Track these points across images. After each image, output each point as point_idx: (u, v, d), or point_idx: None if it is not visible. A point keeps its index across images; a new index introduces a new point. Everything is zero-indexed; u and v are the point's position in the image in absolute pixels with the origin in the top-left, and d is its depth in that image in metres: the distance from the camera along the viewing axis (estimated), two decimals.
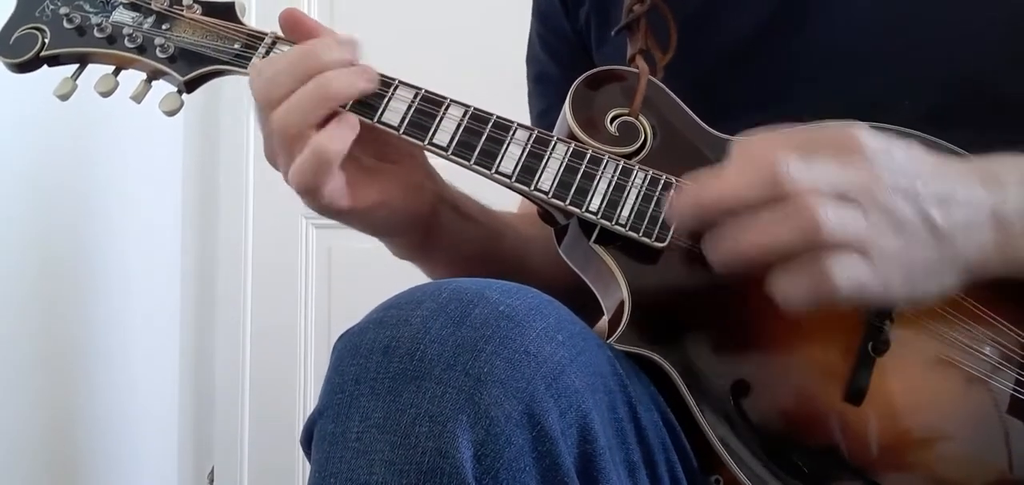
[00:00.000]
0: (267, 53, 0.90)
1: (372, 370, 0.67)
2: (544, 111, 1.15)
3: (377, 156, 0.90)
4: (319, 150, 0.82)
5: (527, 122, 0.98)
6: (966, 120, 0.87)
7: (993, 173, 0.74)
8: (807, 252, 0.67)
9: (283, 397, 2.38)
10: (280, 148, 0.84)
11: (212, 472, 2.40)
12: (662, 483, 0.77)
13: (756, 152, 0.71)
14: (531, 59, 1.20)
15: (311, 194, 0.84)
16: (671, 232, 0.83)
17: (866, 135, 0.71)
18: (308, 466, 0.71)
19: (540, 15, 1.18)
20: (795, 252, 0.68)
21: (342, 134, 0.83)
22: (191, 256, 2.36)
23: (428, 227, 0.96)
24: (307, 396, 2.36)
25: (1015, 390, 0.79)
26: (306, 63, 0.83)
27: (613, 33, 1.02)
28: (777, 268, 0.69)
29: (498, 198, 0.96)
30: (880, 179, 0.69)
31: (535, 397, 0.66)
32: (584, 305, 0.86)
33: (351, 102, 0.85)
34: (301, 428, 0.73)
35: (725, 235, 0.70)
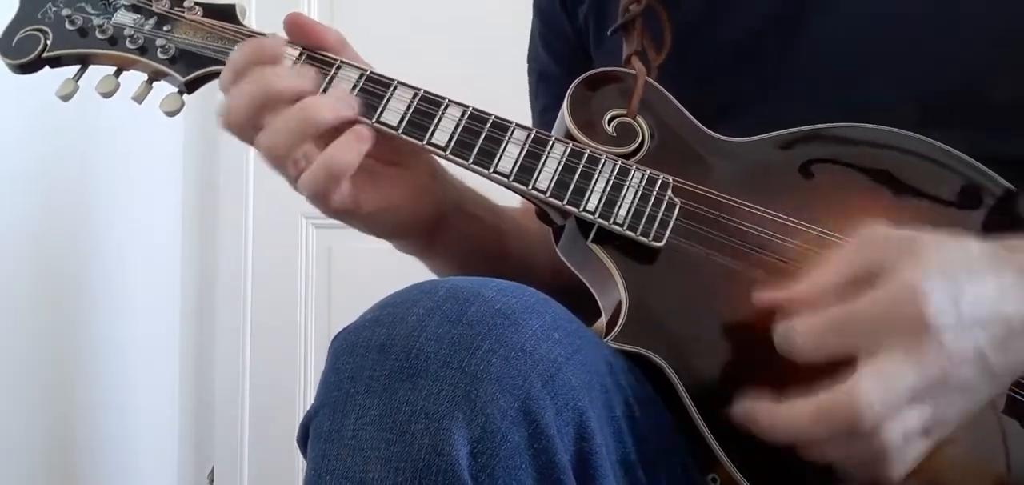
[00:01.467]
0: None
1: (368, 368, 0.67)
2: (545, 109, 1.15)
3: (382, 159, 0.91)
4: (331, 163, 0.83)
5: (528, 121, 0.98)
6: (962, 121, 0.87)
7: None
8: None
9: (283, 397, 2.37)
10: (275, 169, 0.85)
11: (212, 472, 2.40)
12: (659, 482, 0.77)
13: (823, 348, 0.70)
14: (532, 57, 1.21)
15: (321, 201, 0.85)
16: (668, 232, 0.83)
17: (934, 302, 0.68)
18: (306, 461, 0.71)
19: (540, 14, 1.19)
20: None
21: (354, 147, 0.84)
22: (191, 256, 2.36)
23: (433, 228, 0.97)
24: (307, 396, 2.36)
25: (1016, 394, 0.79)
26: (266, 97, 0.84)
27: (609, 33, 1.02)
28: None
29: (502, 195, 0.96)
30: (951, 361, 0.67)
31: (531, 394, 0.66)
32: (585, 303, 0.87)
33: None
34: (299, 423, 0.73)
35: (798, 443, 0.70)
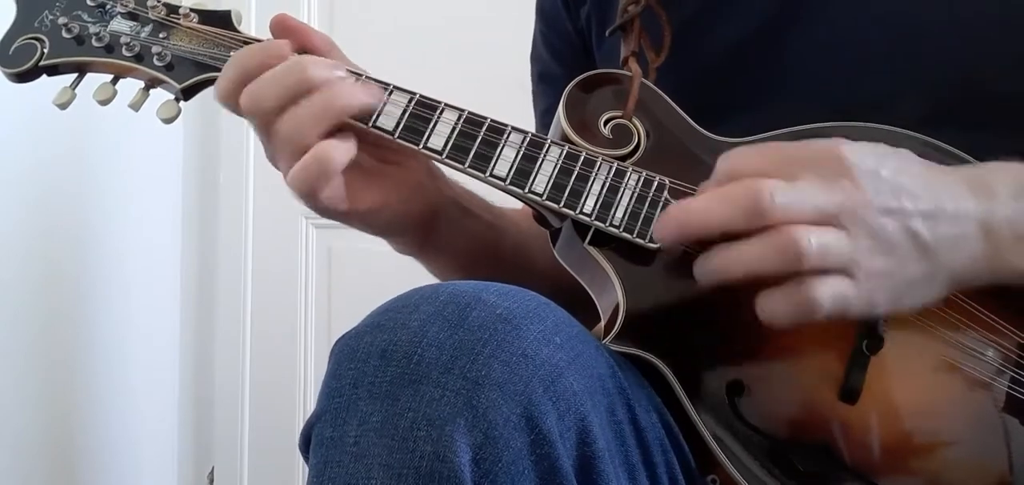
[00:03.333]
0: None
1: (370, 374, 0.67)
2: (547, 110, 1.15)
3: (377, 158, 0.91)
4: (322, 158, 0.82)
5: (526, 124, 0.98)
6: (963, 120, 0.87)
7: (985, 182, 0.75)
8: (791, 275, 0.69)
9: (283, 397, 2.37)
10: (288, 156, 0.84)
11: (212, 472, 2.40)
12: (661, 484, 0.78)
13: (740, 173, 0.73)
14: (535, 58, 1.21)
15: (309, 198, 0.84)
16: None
17: (853, 152, 0.72)
18: (308, 467, 0.71)
19: (543, 15, 1.19)
20: (779, 276, 0.70)
21: (347, 145, 0.84)
22: (191, 256, 2.35)
23: (429, 226, 0.97)
24: (307, 396, 2.36)
25: (1016, 392, 0.80)
26: (299, 84, 0.83)
27: (607, 34, 1.02)
28: (762, 289, 0.71)
29: (502, 197, 0.96)
30: (866, 199, 0.70)
31: (533, 400, 0.66)
32: (585, 304, 0.87)
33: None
34: (301, 428, 0.73)
35: (710, 257, 0.72)
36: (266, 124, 0.84)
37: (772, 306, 0.71)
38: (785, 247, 0.69)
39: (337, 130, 0.84)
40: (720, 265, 0.72)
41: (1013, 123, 0.88)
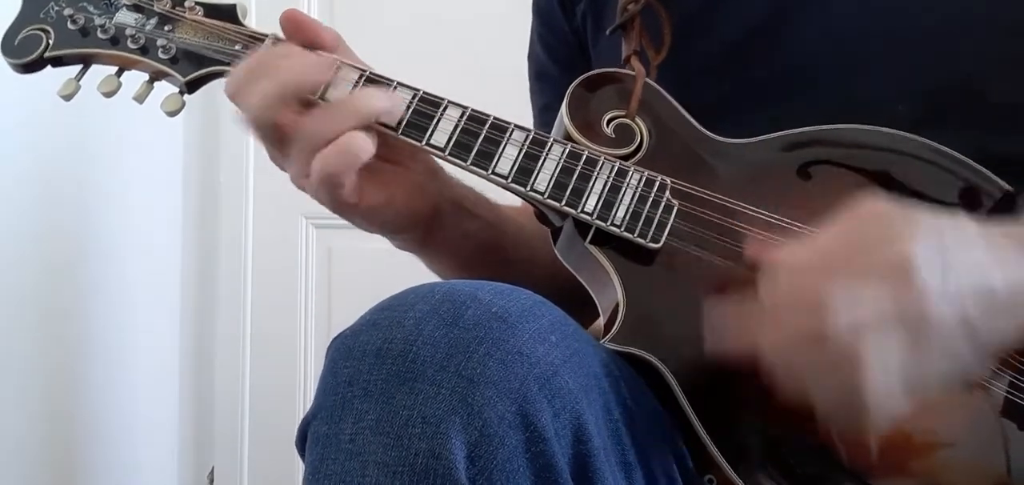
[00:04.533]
0: None
1: (365, 372, 0.67)
2: (545, 108, 1.15)
3: (381, 156, 0.90)
4: (352, 147, 0.82)
5: (528, 121, 0.99)
6: (959, 122, 0.87)
7: None
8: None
9: (283, 397, 2.37)
10: (307, 154, 0.84)
11: (212, 472, 2.40)
12: (657, 483, 0.78)
13: (801, 294, 0.71)
14: (532, 57, 1.21)
15: (333, 188, 0.84)
16: (665, 233, 0.83)
17: (921, 264, 0.69)
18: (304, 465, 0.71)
19: (539, 14, 1.19)
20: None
21: (371, 138, 0.84)
22: (191, 256, 2.35)
23: (431, 224, 0.97)
24: (307, 396, 2.35)
25: (1014, 395, 0.79)
26: (262, 63, 0.85)
27: (607, 33, 1.02)
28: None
29: (502, 195, 0.96)
30: (929, 303, 0.68)
31: (528, 398, 0.66)
32: (585, 302, 0.87)
33: None
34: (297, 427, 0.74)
35: (774, 373, 0.72)
36: (294, 122, 0.85)
37: (833, 421, 0.73)
38: (840, 347, 0.68)
39: None
40: (787, 385, 0.72)
41: (1010, 126, 0.88)
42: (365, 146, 0.83)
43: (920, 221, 0.71)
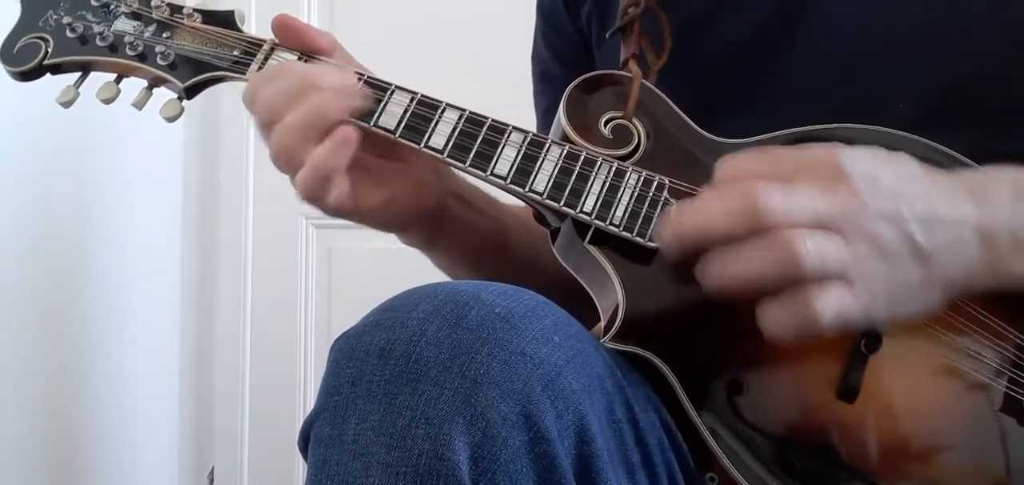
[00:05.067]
0: (265, 60, 0.91)
1: (368, 372, 0.67)
2: (548, 109, 1.15)
3: (382, 155, 0.91)
4: (319, 165, 0.83)
5: (527, 123, 0.99)
6: (960, 122, 0.87)
7: (983, 188, 0.75)
8: (789, 285, 0.69)
9: (283, 397, 2.37)
10: (284, 165, 0.85)
11: (212, 472, 2.40)
12: (660, 483, 0.78)
13: (738, 179, 0.73)
14: (535, 57, 1.21)
15: (315, 203, 0.86)
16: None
17: (851, 158, 0.72)
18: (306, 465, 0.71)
19: (543, 14, 1.19)
20: (777, 285, 0.69)
21: (340, 150, 0.84)
22: (191, 256, 2.35)
23: (435, 220, 0.97)
24: (307, 396, 2.36)
25: (1015, 393, 0.80)
26: (301, 88, 0.84)
27: (607, 36, 1.02)
28: (762, 300, 0.71)
29: (503, 197, 0.96)
30: (863, 205, 0.70)
31: (531, 399, 0.66)
32: (589, 299, 0.88)
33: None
34: (300, 428, 0.74)
35: (709, 264, 0.72)
36: (267, 132, 0.86)
37: (773, 320, 0.70)
38: (782, 253, 0.68)
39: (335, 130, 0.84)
40: (718, 272, 0.71)
41: (1009, 126, 0.88)
42: (335, 163, 0.84)
43: (862, 147, 0.74)
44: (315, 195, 0.85)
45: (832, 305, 0.69)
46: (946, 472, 0.80)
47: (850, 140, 0.87)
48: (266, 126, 0.86)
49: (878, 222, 0.70)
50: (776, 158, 0.75)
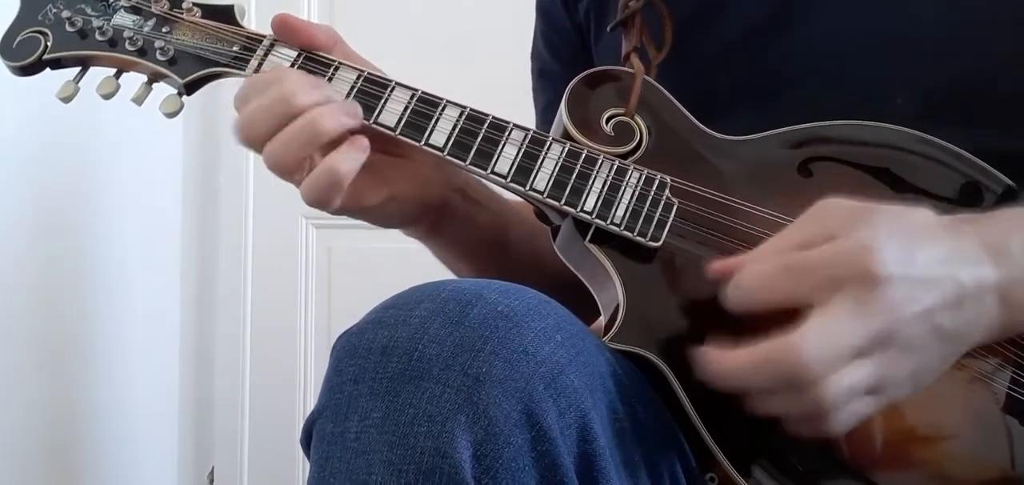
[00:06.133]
0: (265, 55, 0.90)
1: (371, 370, 0.67)
2: (547, 107, 1.15)
3: (384, 151, 0.91)
4: (331, 171, 0.83)
5: (528, 120, 0.99)
6: (959, 118, 0.87)
7: (1001, 244, 0.73)
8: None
9: (283, 397, 2.37)
10: (280, 175, 0.85)
11: (212, 472, 2.40)
12: (662, 482, 0.78)
13: (765, 302, 0.71)
14: (535, 55, 1.21)
15: (321, 206, 0.85)
16: (665, 232, 0.83)
17: (883, 258, 0.69)
18: (308, 466, 0.71)
19: (542, 12, 1.19)
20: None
21: (354, 156, 0.84)
22: (191, 256, 2.36)
23: (437, 216, 0.97)
24: (307, 396, 2.36)
25: (1016, 391, 0.79)
26: (284, 111, 0.84)
27: (608, 29, 1.02)
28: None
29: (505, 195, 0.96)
30: (898, 316, 0.68)
31: (534, 397, 0.66)
32: (591, 295, 0.87)
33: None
34: (301, 428, 0.73)
35: (742, 393, 0.72)
36: (256, 149, 0.86)
37: (794, 429, 0.72)
38: (817, 405, 0.68)
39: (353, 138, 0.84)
40: (752, 405, 0.72)
41: (1008, 121, 0.88)
42: (345, 168, 0.84)
43: (882, 222, 0.71)
44: (324, 200, 0.84)
45: (854, 419, 0.70)
46: (949, 468, 0.80)
47: (851, 137, 0.88)
48: (248, 144, 0.86)
49: (910, 326, 0.69)
50: (802, 274, 0.71)
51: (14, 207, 1.64)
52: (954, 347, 0.72)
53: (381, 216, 0.93)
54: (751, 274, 0.72)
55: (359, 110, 0.87)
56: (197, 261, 2.39)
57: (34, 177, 1.71)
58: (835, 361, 0.67)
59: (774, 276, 0.71)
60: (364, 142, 0.85)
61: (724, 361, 0.71)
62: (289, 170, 0.84)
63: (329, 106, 0.85)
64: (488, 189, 1.02)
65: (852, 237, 0.70)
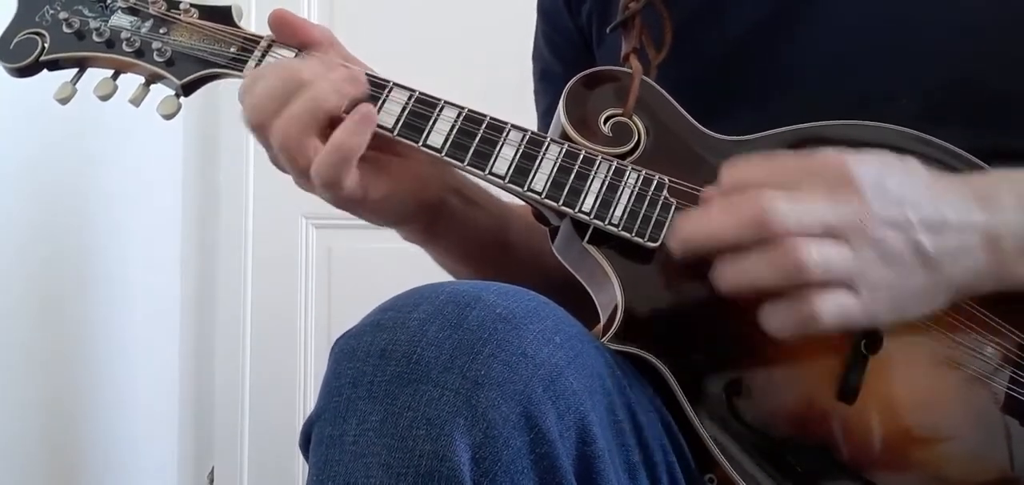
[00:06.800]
0: (263, 56, 0.90)
1: (369, 373, 0.67)
2: (549, 108, 1.14)
3: (382, 149, 0.90)
4: (341, 146, 0.83)
5: (528, 121, 0.99)
6: (960, 119, 0.87)
7: (989, 193, 0.75)
8: (793, 289, 0.70)
9: (283, 397, 2.37)
10: (285, 162, 0.85)
11: (212, 472, 2.40)
12: (660, 483, 0.78)
13: (744, 184, 0.73)
14: (536, 57, 1.21)
15: (333, 188, 0.84)
16: (664, 233, 0.83)
17: (857, 164, 0.72)
18: (307, 466, 0.71)
19: (544, 14, 1.19)
20: (783, 289, 0.71)
21: (361, 128, 0.83)
22: (191, 256, 2.35)
23: (435, 214, 0.97)
24: (307, 396, 2.36)
25: (1015, 391, 0.80)
26: (288, 86, 0.84)
27: (608, 31, 1.02)
28: (766, 301, 0.72)
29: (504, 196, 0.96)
30: (870, 211, 0.71)
31: (532, 399, 0.66)
32: (589, 299, 0.87)
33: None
34: (301, 428, 0.74)
35: (717, 269, 0.73)
36: (265, 132, 0.85)
37: (774, 320, 0.72)
38: (787, 262, 0.70)
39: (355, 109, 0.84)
40: (724, 279, 0.73)
41: (1010, 123, 0.88)
42: (355, 142, 0.83)
43: (868, 151, 0.74)
44: (334, 178, 0.84)
45: (834, 308, 0.70)
46: (949, 469, 0.80)
47: (854, 139, 0.87)
48: (257, 128, 0.85)
49: (884, 228, 0.71)
50: (782, 165, 0.75)
51: (14, 207, 1.64)
52: (937, 276, 0.73)
53: (380, 212, 0.93)
54: (735, 167, 0.76)
55: (363, 77, 0.87)
56: (197, 261, 2.38)
57: (34, 176, 1.71)
58: (807, 223, 0.70)
59: (752, 169, 0.75)
60: (371, 113, 0.84)
61: (695, 216, 0.74)
62: (295, 151, 0.83)
63: (333, 74, 0.85)
64: (486, 192, 1.01)
65: (833, 154, 0.74)
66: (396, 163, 0.92)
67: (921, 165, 0.76)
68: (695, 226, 0.74)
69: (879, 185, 0.72)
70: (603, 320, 0.85)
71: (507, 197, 1.01)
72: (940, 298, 0.75)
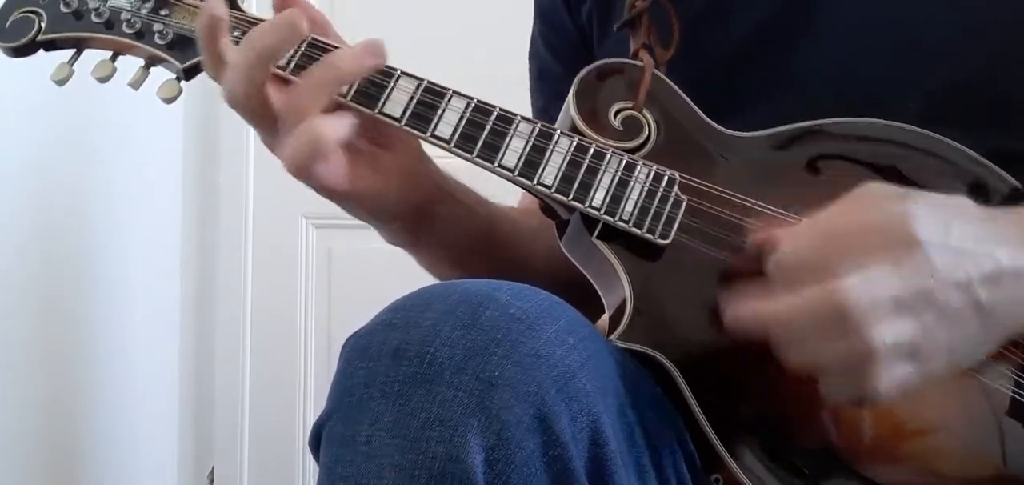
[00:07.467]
0: None
1: (382, 373, 0.67)
2: (544, 108, 1.14)
3: (373, 141, 0.90)
4: (315, 134, 0.80)
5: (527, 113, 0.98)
6: (969, 115, 0.87)
7: None
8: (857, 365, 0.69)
9: (283, 397, 2.37)
10: (287, 127, 0.81)
11: (212, 472, 2.40)
12: (668, 484, 0.77)
13: (809, 267, 0.71)
14: (533, 56, 1.20)
15: (303, 174, 0.82)
16: (674, 229, 0.82)
17: (918, 221, 0.70)
18: (308, 466, 0.71)
19: (542, 14, 1.18)
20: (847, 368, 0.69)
21: (340, 123, 0.81)
22: (191, 256, 2.36)
23: (422, 213, 0.96)
24: (307, 396, 2.36)
25: (1015, 391, 0.79)
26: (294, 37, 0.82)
27: (615, 29, 1.01)
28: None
29: (501, 189, 0.95)
30: (934, 275, 0.69)
31: (546, 401, 0.66)
32: (583, 299, 0.85)
33: (355, 90, 0.84)
34: (301, 428, 0.73)
35: (782, 345, 0.71)
36: (255, 110, 0.83)
37: (834, 394, 0.71)
38: (861, 347, 0.67)
39: (334, 108, 0.82)
40: (789, 360, 0.71)
41: (1012, 123, 0.88)
42: (328, 133, 0.80)
43: (922, 199, 0.72)
44: (302, 165, 0.81)
45: (895, 382, 0.69)
46: (946, 465, 0.80)
47: (859, 134, 0.89)
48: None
49: (948, 290, 0.69)
50: (844, 229, 0.72)
51: (14, 206, 1.65)
52: (992, 326, 0.72)
53: (366, 206, 0.91)
54: (790, 242, 0.73)
55: (382, 49, 0.85)
56: (197, 261, 2.39)
57: (33, 175, 1.71)
58: (879, 307, 0.67)
59: (811, 243, 0.72)
60: (349, 116, 0.82)
61: (763, 307, 0.71)
62: (300, 118, 0.80)
63: (348, 49, 0.84)
64: (475, 193, 1.01)
65: (891, 209, 0.71)
66: (386, 157, 0.91)
67: (971, 204, 0.74)
68: (761, 310, 0.72)
69: (943, 245, 0.70)
70: (610, 317, 0.84)
71: (496, 196, 1.00)
72: (991, 346, 0.74)
